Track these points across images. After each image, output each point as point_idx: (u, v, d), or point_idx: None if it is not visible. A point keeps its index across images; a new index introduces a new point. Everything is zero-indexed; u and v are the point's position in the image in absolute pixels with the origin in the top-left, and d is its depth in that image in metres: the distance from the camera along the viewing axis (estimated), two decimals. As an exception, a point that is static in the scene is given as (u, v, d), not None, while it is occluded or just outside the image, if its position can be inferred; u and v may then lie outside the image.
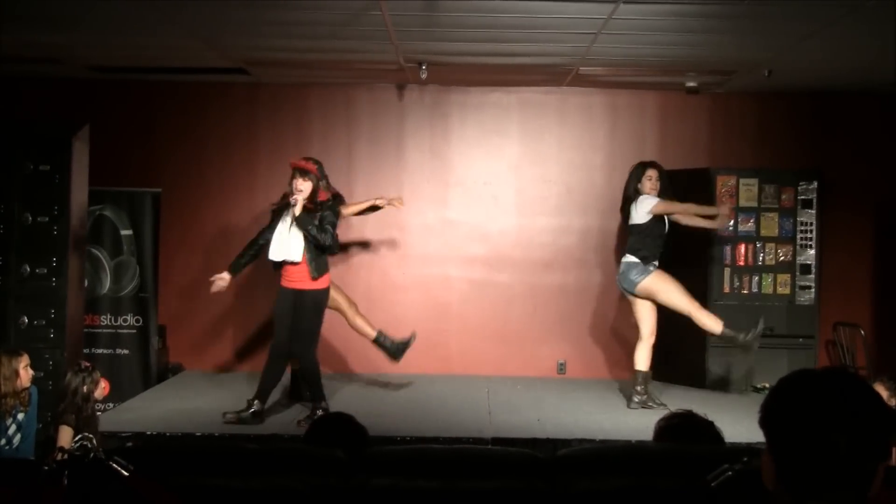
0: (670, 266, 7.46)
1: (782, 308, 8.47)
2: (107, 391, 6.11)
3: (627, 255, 7.41)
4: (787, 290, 8.49)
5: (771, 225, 8.54)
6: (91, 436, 5.26)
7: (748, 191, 8.55)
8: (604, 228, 9.11)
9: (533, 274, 9.15)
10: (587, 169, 9.21)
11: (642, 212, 7.33)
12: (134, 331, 8.39)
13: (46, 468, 2.61)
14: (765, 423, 1.68)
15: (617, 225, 9.14)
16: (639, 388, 7.37)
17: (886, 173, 8.92)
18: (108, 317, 8.39)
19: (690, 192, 8.58)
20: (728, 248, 8.53)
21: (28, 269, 6.92)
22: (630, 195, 7.46)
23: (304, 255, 6.59)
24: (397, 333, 8.98)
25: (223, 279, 6.82)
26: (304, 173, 6.60)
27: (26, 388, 5.83)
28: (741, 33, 6.60)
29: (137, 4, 6.04)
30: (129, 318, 8.40)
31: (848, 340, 8.62)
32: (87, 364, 5.96)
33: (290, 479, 2.65)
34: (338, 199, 7.05)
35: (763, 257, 8.53)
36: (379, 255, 9.11)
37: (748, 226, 8.55)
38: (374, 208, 7.89)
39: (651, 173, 7.42)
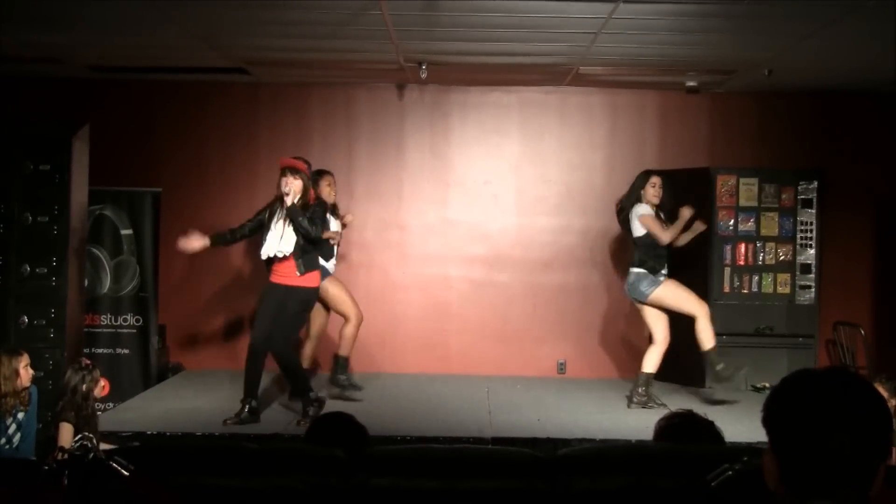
0: (671, 266, 7.45)
1: (782, 308, 8.48)
2: (106, 391, 6.11)
3: (633, 269, 7.38)
4: (787, 290, 8.49)
5: (771, 224, 8.55)
6: (91, 435, 5.27)
7: (748, 190, 8.55)
8: (604, 228, 9.10)
9: (533, 273, 9.15)
10: (587, 168, 9.21)
11: (637, 222, 7.33)
12: (134, 330, 8.39)
13: (46, 468, 2.61)
14: (768, 422, 1.67)
15: (616, 225, 9.13)
16: (640, 389, 7.37)
17: (886, 173, 8.92)
18: (109, 316, 8.39)
19: (690, 192, 8.59)
20: (728, 248, 8.53)
21: (28, 269, 6.92)
22: (629, 203, 7.40)
23: (293, 250, 6.57)
24: (397, 333, 9.02)
25: (197, 241, 6.83)
26: (295, 172, 6.59)
27: (26, 388, 5.83)
28: (741, 33, 6.60)
29: (137, 4, 6.04)
30: (129, 317, 8.40)
31: (848, 340, 8.62)
32: (87, 362, 5.96)
33: (290, 479, 2.65)
34: (323, 204, 6.99)
35: (763, 257, 8.53)
36: (379, 255, 9.11)
37: (748, 225, 8.55)
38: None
39: (655, 180, 7.38)
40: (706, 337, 7.29)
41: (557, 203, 9.19)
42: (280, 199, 6.65)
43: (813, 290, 8.48)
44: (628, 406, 7.41)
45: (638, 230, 7.33)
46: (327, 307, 7.67)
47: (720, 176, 8.57)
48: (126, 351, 8.36)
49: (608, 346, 9.11)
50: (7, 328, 6.84)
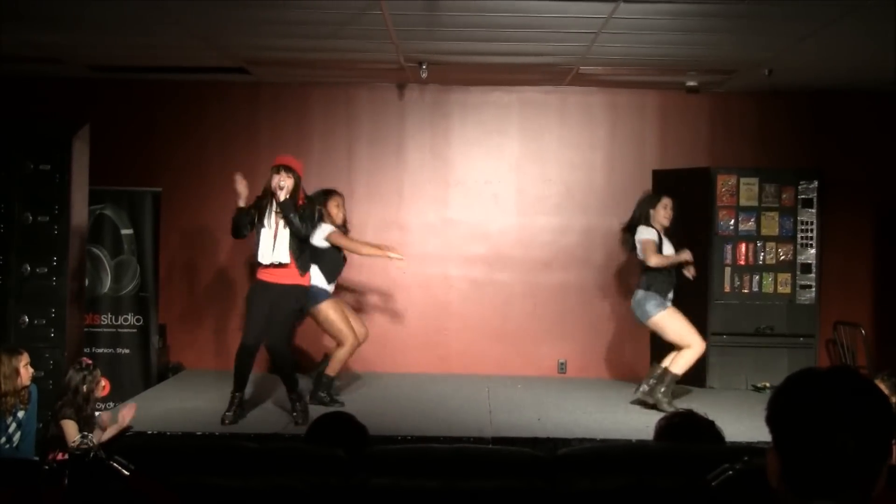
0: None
1: (783, 307, 8.48)
2: (107, 390, 6.11)
3: (640, 291, 7.32)
4: (787, 290, 8.49)
5: (771, 224, 8.55)
6: (92, 435, 5.28)
7: (748, 190, 8.55)
8: (604, 227, 9.10)
9: (533, 273, 9.15)
10: (587, 168, 9.21)
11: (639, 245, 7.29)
12: (134, 330, 8.39)
13: (47, 467, 2.61)
14: (771, 420, 1.67)
15: (617, 224, 9.12)
16: (663, 389, 7.17)
17: (886, 172, 8.92)
18: (109, 316, 8.39)
19: (691, 192, 8.60)
20: (729, 248, 8.54)
21: (28, 269, 6.92)
22: (635, 224, 7.35)
23: (290, 255, 6.56)
24: (397, 333, 9.02)
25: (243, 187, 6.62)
26: (289, 170, 6.56)
27: (26, 386, 5.83)
28: (741, 33, 6.60)
29: (138, 4, 6.05)
30: (129, 317, 8.40)
31: (848, 340, 8.62)
32: (89, 362, 5.96)
33: (290, 479, 2.65)
34: (313, 203, 6.93)
35: (763, 256, 8.53)
36: (379, 255, 9.10)
37: (749, 225, 8.55)
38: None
39: (667, 202, 7.33)
40: (682, 363, 7.19)
41: (558, 203, 9.19)
42: (268, 195, 6.61)
43: (813, 289, 8.49)
44: (643, 395, 7.25)
45: (641, 253, 7.31)
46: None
47: (720, 176, 8.57)
48: (126, 351, 8.36)
49: (609, 346, 9.11)
50: (7, 328, 6.84)
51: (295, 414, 6.66)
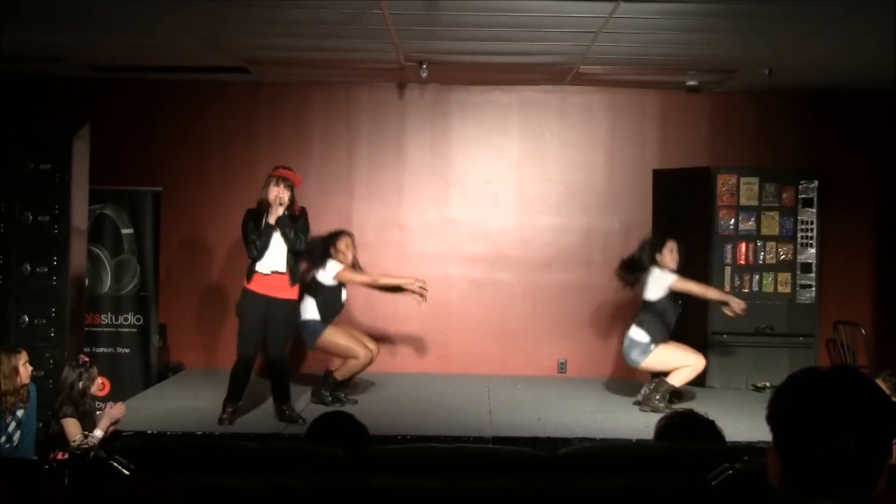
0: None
1: (783, 307, 8.48)
2: (107, 390, 6.12)
3: (633, 328, 7.33)
4: (787, 289, 8.49)
5: (771, 224, 8.55)
6: (92, 434, 5.28)
7: (749, 189, 8.55)
8: (604, 227, 9.12)
9: (533, 273, 9.15)
10: (588, 168, 9.21)
11: (658, 287, 7.22)
12: (134, 330, 8.39)
13: (47, 467, 2.61)
14: (772, 420, 1.66)
15: (617, 224, 9.15)
16: (658, 396, 7.22)
17: (887, 172, 8.92)
18: (109, 316, 8.38)
19: (691, 192, 8.60)
20: (729, 247, 8.53)
21: (28, 268, 6.92)
22: (642, 264, 7.34)
23: (286, 263, 6.66)
24: (397, 333, 9.02)
25: None
26: (288, 183, 6.64)
27: (25, 385, 5.83)
28: (741, 32, 6.60)
29: (138, 4, 6.04)
30: (129, 316, 8.40)
31: (848, 339, 8.62)
32: (85, 359, 5.97)
33: (290, 478, 2.65)
34: (305, 214, 6.95)
35: (764, 256, 8.53)
36: (379, 255, 9.10)
37: (749, 225, 8.55)
38: (400, 287, 7.68)
39: (672, 245, 7.30)
40: (680, 377, 7.23)
41: (558, 202, 9.19)
42: (263, 205, 6.64)
43: (813, 289, 8.49)
44: (638, 397, 7.33)
45: (653, 294, 7.26)
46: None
47: (721, 175, 8.57)
48: (126, 350, 8.36)
49: (609, 346, 9.10)
50: (7, 327, 6.84)
51: (294, 416, 6.67)
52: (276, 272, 6.62)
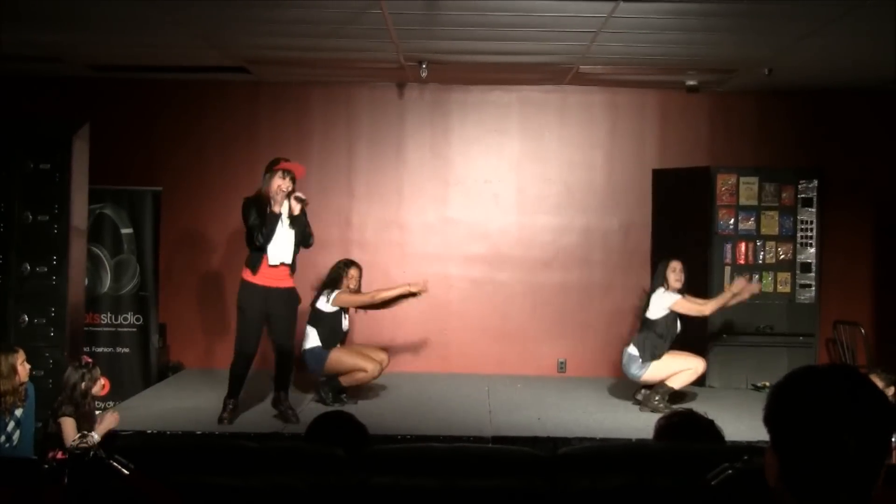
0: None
1: (782, 306, 8.48)
2: (106, 389, 6.11)
3: (632, 346, 7.36)
4: (787, 289, 8.50)
5: (771, 223, 8.55)
6: (91, 434, 5.27)
7: (748, 189, 8.55)
8: (604, 227, 9.12)
9: (533, 272, 9.15)
10: (587, 167, 9.21)
11: (659, 306, 7.24)
12: (134, 329, 8.39)
13: (47, 467, 2.61)
14: (770, 421, 1.63)
15: (617, 224, 9.16)
16: (657, 397, 7.23)
17: (886, 171, 8.92)
18: (109, 315, 8.39)
19: (691, 191, 8.60)
20: (728, 247, 8.54)
21: (28, 268, 6.92)
22: (653, 287, 7.41)
23: (292, 255, 6.70)
24: (397, 333, 9.02)
25: None
26: (293, 177, 6.64)
27: (23, 383, 5.83)
28: (741, 32, 6.60)
29: (138, 4, 6.04)
30: (129, 316, 8.40)
31: (848, 339, 8.62)
32: (88, 360, 5.96)
33: (290, 478, 2.65)
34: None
35: (763, 256, 8.53)
36: (379, 254, 9.11)
37: (748, 224, 8.55)
38: (405, 295, 7.66)
39: (675, 265, 7.31)
40: (679, 380, 7.24)
41: (557, 202, 9.19)
42: (265, 196, 6.61)
43: (813, 288, 8.49)
44: (638, 396, 7.35)
45: (655, 313, 7.28)
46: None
47: (720, 175, 8.57)
48: (126, 350, 8.36)
49: (608, 345, 9.09)
50: (7, 327, 6.84)
51: (289, 412, 6.69)
52: (284, 263, 6.64)
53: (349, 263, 7.60)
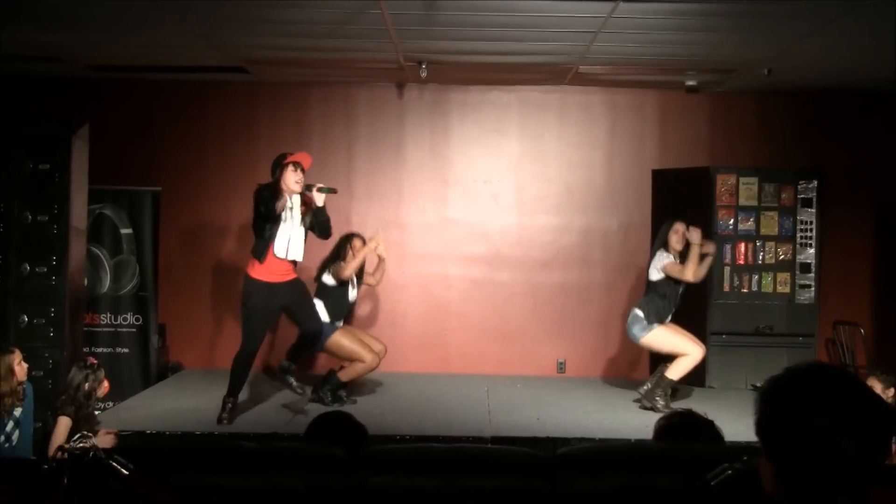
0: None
1: (782, 307, 8.48)
2: (107, 390, 6.11)
3: (636, 308, 7.40)
4: (786, 289, 8.49)
5: (771, 224, 8.55)
6: (91, 434, 5.26)
7: (748, 189, 8.55)
8: (604, 227, 9.12)
9: (533, 272, 9.15)
10: (587, 167, 9.21)
11: (655, 267, 7.32)
12: (134, 329, 8.39)
13: (46, 467, 2.61)
14: (762, 429, 1.58)
15: (616, 224, 9.16)
16: (660, 392, 7.23)
17: (886, 172, 8.92)
18: (108, 315, 8.39)
19: (690, 192, 8.59)
20: (728, 247, 8.53)
21: (28, 268, 6.92)
22: (654, 248, 7.46)
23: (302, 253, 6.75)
24: (397, 333, 9.02)
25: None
26: (303, 171, 6.65)
27: (21, 383, 5.83)
28: (741, 32, 6.60)
29: (138, 3, 6.04)
30: (128, 316, 8.40)
31: (848, 339, 8.62)
32: (93, 361, 5.96)
33: (289, 478, 2.65)
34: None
35: (763, 256, 8.53)
36: (379, 254, 9.10)
37: (748, 225, 8.55)
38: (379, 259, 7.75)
39: (678, 227, 7.33)
40: (678, 370, 7.24)
41: (557, 202, 9.19)
42: (278, 189, 6.60)
43: (813, 289, 8.49)
44: (641, 399, 7.32)
45: (654, 275, 7.33)
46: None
47: (720, 175, 8.57)
48: (126, 350, 8.37)
49: (608, 346, 9.11)
50: (7, 327, 6.84)
51: (296, 385, 6.83)
52: (295, 261, 6.68)
53: (351, 236, 7.61)
